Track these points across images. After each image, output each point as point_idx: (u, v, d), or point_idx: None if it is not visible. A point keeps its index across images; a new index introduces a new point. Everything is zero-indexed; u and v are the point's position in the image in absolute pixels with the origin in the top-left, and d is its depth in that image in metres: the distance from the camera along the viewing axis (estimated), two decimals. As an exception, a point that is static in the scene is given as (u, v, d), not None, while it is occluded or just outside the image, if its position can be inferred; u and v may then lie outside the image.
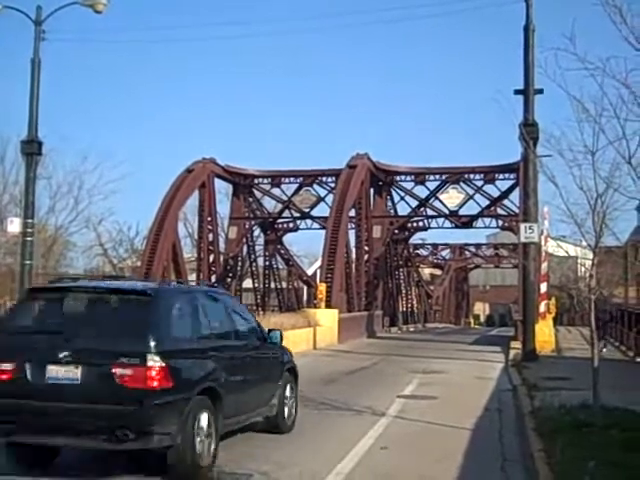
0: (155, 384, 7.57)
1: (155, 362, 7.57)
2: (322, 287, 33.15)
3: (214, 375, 8.58)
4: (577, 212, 10.91)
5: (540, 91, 23.67)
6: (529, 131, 22.18)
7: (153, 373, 7.56)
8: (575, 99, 10.16)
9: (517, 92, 24.01)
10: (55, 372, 7.76)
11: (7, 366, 7.89)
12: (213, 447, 8.41)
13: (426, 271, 79.19)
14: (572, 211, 10.98)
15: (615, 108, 9.61)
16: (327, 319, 30.95)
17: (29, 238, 25.88)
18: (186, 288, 10.80)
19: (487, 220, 48.24)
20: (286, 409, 10.83)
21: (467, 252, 73.44)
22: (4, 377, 7.88)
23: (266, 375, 10.35)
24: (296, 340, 26.67)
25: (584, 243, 11.79)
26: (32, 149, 26.47)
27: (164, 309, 8.33)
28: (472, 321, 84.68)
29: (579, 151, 10.62)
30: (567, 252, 14.97)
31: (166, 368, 7.64)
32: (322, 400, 14.18)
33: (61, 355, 7.70)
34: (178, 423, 7.76)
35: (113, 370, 7.55)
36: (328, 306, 32.62)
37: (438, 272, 78.08)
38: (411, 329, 52.28)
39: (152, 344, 7.66)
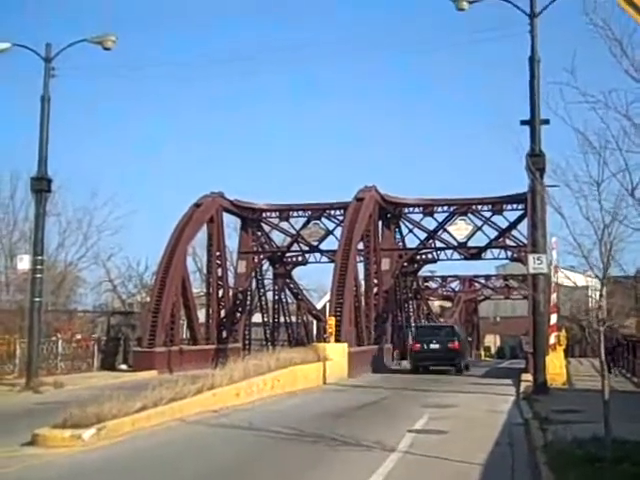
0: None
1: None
2: (331, 321, 33.03)
3: None
4: (584, 243, 10.90)
5: (546, 121, 23.67)
6: (535, 162, 22.21)
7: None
8: (579, 132, 10.20)
9: (523, 122, 24.09)
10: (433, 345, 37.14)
11: (418, 345, 37.95)
12: None
13: (436, 303, 78.96)
14: (579, 242, 10.96)
15: (617, 140, 9.65)
16: (337, 353, 30.81)
17: (38, 275, 26.01)
18: None
19: (496, 251, 48.13)
20: None
21: (476, 284, 73.31)
22: (417, 347, 38.03)
23: None
24: (306, 375, 26.60)
25: (592, 274, 11.76)
26: (41, 186, 26.71)
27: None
28: (482, 353, 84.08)
29: (585, 182, 10.65)
30: (575, 283, 14.83)
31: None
32: (332, 435, 14.11)
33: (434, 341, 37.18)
34: None
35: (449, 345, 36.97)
36: (337, 340, 32.49)
37: (448, 304, 77.85)
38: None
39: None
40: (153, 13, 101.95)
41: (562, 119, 9.76)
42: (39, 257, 26.29)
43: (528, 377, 26.40)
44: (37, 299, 25.75)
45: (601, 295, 11.55)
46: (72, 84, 33.53)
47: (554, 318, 27.41)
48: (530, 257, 23.50)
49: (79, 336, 34.63)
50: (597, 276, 11.25)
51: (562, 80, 9.62)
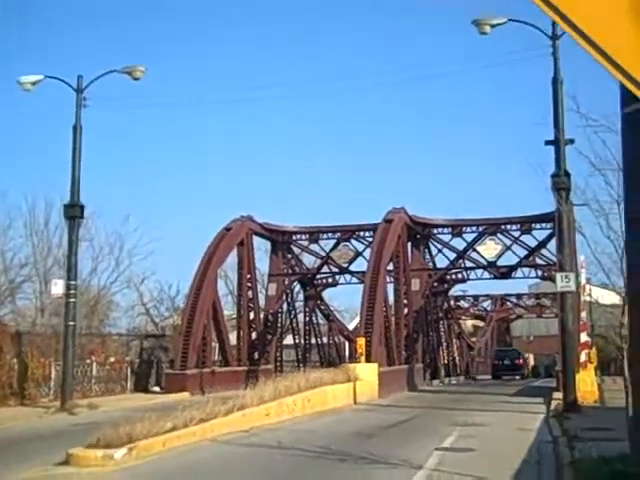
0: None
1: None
2: (361, 341, 33.17)
3: None
4: (603, 260, 11.04)
5: (571, 141, 23.74)
6: (560, 182, 22.41)
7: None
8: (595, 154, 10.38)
9: (548, 143, 24.22)
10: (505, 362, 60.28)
11: (496, 362, 62.39)
12: None
13: (468, 323, 78.61)
14: (600, 260, 11.12)
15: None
16: (367, 373, 30.93)
17: (72, 299, 26.50)
18: None
19: (526, 270, 48.05)
20: None
21: (508, 302, 72.88)
22: (495, 363, 62.83)
23: None
24: (336, 395, 26.75)
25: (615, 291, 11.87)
26: (74, 213, 27.27)
27: None
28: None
29: (605, 201, 10.82)
30: (597, 301, 14.91)
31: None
32: (360, 454, 14.25)
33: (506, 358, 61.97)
34: None
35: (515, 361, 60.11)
36: (368, 360, 32.60)
37: (480, 323, 77.44)
38: (453, 382, 51.85)
39: None
40: (176, 41, 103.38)
41: (574, 147, 9.96)
42: (73, 282, 26.80)
43: (559, 395, 26.32)
44: (71, 323, 26.22)
45: (623, 312, 11.66)
46: (105, 114, 34.19)
47: (584, 336, 27.32)
48: (558, 276, 23.53)
49: (112, 359, 35.08)
50: (619, 293, 11.38)
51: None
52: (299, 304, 52.41)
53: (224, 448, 15.78)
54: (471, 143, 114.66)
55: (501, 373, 60.42)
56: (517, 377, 60.26)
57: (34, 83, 26.29)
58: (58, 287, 27.21)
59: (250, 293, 45.33)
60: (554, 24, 23.02)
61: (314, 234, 49.09)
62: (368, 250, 44.59)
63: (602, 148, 10.53)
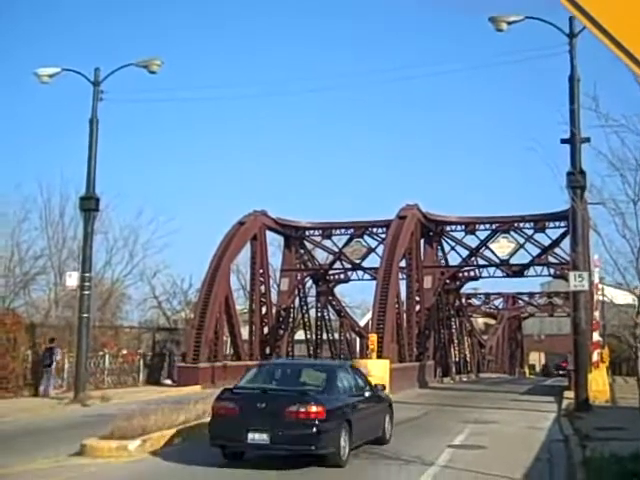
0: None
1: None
2: (373, 337, 33.19)
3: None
4: (618, 259, 11.03)
5: (587, 139, 23.55)
6: (576, 180, 22.31)
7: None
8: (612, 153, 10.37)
9: (563, 141, 24.06)
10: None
11: None
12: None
13: (479, 320, 78.51)
14: (615, 259, 11.11)
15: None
16: (378, 369, 30.90)
17: (86, 292, 26.60)
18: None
19: (539, 269, 47.90)
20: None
21: (520, 301, 72.74)
22: None
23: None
24: (347, 391, 26.73)
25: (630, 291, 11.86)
26: (90, 205, 27.36)
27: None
28: (527, 371, 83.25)
29: (621, 200, 10.80)
30: (611, 300, 14.90)
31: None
32: (373, 450, 14.32)
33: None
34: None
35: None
36: (379, 356, 32.63)
37: (492, 321, 77.32)
38: (464, 379, 51.81)
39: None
40: (194, 38, 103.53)
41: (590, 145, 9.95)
42: (87, 274, 26.91)
43: (570, 394, 26.28)
44: (85, 315, 26.33)
45: (638, 312, 11.66)
46: (120, 106, 34.31)
47: (596, 335, 27.27)
48: (571, 274, 23.44)
49: (125, 351, 35.28)
50: (633, 293, 11.37)
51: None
52: (311, 299, 52.50)
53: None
54: (486, 141, 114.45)
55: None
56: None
57: (51, 75, 26.40)
58: (72, 279, 27.33)
59: (262, 288, 45.40)
60: (571, 22, 23.00)
61: (327, 230, 49.11)
62: (381, 246, 44.61)
63: (620, 147, 10.51)
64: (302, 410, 12.33)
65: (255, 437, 12.36)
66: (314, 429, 12.25)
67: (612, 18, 2.50)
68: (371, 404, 15.16)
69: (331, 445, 12.55)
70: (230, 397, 13.12)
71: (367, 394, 15.14)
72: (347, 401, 13.80)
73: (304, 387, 13.57)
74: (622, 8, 2.48)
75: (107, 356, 32.95)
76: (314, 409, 12.37)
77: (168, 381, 36.10)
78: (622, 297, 16.21)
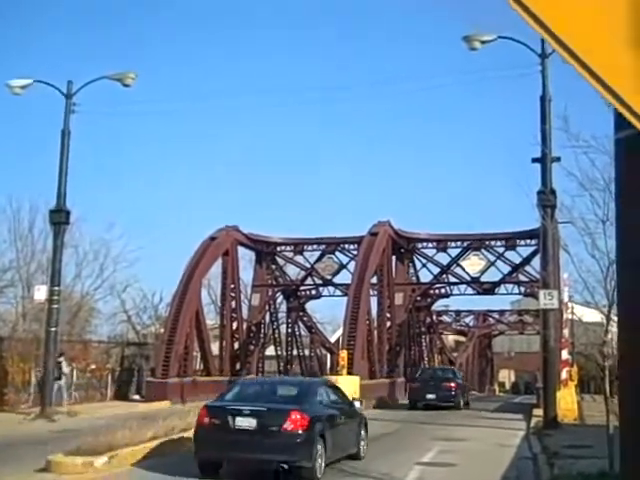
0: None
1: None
2: (343, 354, 33.16)
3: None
4: (588, 279, 11.13)
5: (558, 159, 23.85)
6: (547, 198, 22.55)
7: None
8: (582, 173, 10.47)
9: (534, 160, 24.32)
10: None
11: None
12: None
13: (450, 338, 78.72)
14: (585, 278, 11.21)
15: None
16: (348, 386, 30.77)
17: (55, 305, 26.33)
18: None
19: (509, 286, 48.29)
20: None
21: (491, 319, 73.09)
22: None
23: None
24: (317, 407, 26.63)
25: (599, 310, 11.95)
26: (60, 218, 27.13)
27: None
28: (497, 388, 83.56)
29: (590, 220, 10.91)
30: (580, 319, 15.05)
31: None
32: (342, 467, 14.26)
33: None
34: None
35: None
36: (350, 373, 32.59)
37: (462, 339, 77.55)
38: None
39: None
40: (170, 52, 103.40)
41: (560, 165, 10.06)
42: (56, 288, 26.65)
43: (539, 412, 26.40)
44: (53, 329, 26.05)
45: (606, 331, 11.76)
46: (94, 119, 34.08)
47: (565, 354, 27.45)
48: (541, 293, 23.63)
49: (93, 366, 34.90)
50: (602, 312, 11.47)
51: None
52: (282, 315, 52.39)
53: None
54: (459, 158, 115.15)
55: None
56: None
57: (24, 87, 26.20)
58: (41, 293, 27.07)
59: (233, 303, 45.27)
60: (543, 42, 23.24)
61: (299, 245, 49.12)
62: (352, 263, 44.69)
63: (590, 168, 10.63)
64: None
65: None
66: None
67: (585, 45, 2.52)
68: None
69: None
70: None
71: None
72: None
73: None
74: (585, 25, 2.50)
75: (75, 371, 32.56)
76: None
77: (137, 396, 35.75)
78: (591, 315, 16.36)
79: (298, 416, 12.87)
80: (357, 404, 16.90)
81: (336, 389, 16.47)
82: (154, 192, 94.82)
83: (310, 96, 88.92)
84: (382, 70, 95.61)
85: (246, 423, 12.82)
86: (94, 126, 77.70)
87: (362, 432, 16.26)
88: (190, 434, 16.70)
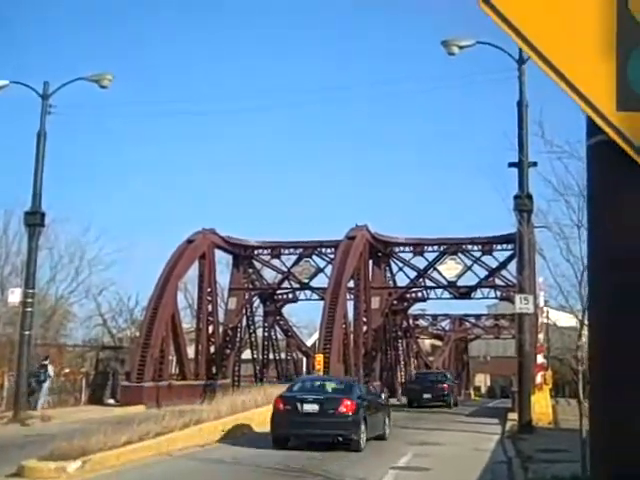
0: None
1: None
2: (320, 357, 33.19)
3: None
4: (563, 284, 11.20)
5: (534, 164, 23.97)
6: (523, 203, 22.69)
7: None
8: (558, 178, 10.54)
9: (511, 165, 24.47)
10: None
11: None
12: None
13: (426, 342, 78.89)
14: (560, 282, 11.28)
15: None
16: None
17: (29, 309, 26.13)
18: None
19: (485, 291, 48.49)
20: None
21: (467, 323, 73.37)
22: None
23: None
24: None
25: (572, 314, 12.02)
26: (35, 220, 26.94)
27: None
28: (472, 393, 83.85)
29: (565, 225, 10.99)
30: (555, 323, 15.15)
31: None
32: (318, 472, 14.24)
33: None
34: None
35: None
36: (326, 377, 32.57)
37: (439, 343, 77.75)
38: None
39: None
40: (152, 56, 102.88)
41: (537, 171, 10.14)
42: (30, 290, 26.44)
43: (514, 416, 26.51)
44: (27, 332, 25.85)
45: (580, 335, 11.83)
46: (70, 120, 33.86)
47: (540, 358, 27.59)
48: (517, 297, 23.77)
49: (68, 370, 34.62)
50: (576, 316, 11.54)
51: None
52: (258, 319, 52.25)
53: (180, 463, 15.65)
54: (439, 162, 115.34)
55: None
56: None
57: (0, 88, 26.01)
58: (15, 295, 26.86)
59: (210, 307, 45.10)
60: (520, 48, 23.40)
61: (276, 249, 49.05)
62: (329, 267, 44.70)
63: (564, 173, 10.70)
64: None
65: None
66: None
67: (557, 52, 2.54)
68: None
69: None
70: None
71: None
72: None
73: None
74: (556, 32, 2.52)
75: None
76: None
77: (111, 400, 35.48)
78: (565, 320, 16.46)
79: (348, 402, 18.05)
80: (383, 396, 22.40)
81: (367, 387, 22.11)
82: (133, 195, 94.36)
83: (310, 96, 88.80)
84: (382, 70, 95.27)
85: (311, 408, 18.09)
86: (71, 127, 77.14)
87: (387, 419, 21.38)
88: (164, 438, 16.71)
